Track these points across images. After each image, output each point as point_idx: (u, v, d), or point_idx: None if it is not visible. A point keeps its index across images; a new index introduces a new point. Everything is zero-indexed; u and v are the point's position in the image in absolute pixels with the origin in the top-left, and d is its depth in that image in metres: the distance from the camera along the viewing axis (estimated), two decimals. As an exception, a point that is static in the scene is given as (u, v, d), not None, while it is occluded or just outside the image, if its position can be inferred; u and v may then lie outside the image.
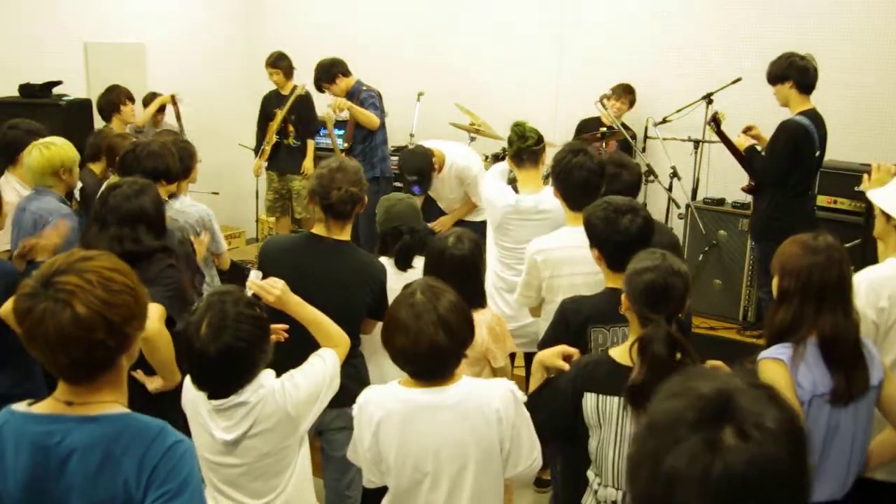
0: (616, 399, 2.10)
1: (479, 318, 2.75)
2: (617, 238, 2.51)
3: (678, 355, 2.04)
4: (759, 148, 4.34)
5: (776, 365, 2.22)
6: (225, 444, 2.12)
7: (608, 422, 2.12)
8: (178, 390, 2.69)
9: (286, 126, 6.15)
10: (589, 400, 2.14)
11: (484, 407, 2.02)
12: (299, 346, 2.53)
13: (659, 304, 2.07)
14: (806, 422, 2.19)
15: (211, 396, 2.11)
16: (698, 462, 0.95)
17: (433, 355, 1.98)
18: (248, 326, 2.04)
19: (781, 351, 2.23)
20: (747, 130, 4.31)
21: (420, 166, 4.37)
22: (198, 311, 2.07)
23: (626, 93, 5.62)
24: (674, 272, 2.09)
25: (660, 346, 2.01)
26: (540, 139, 3.60)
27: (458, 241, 2.81)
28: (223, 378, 2.07)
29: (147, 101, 5.96)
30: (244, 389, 2.09)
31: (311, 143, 6.22)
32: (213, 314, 2.03)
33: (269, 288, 2.41)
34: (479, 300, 2.86)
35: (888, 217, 2.63)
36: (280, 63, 6.09)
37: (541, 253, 3.03)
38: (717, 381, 1.03)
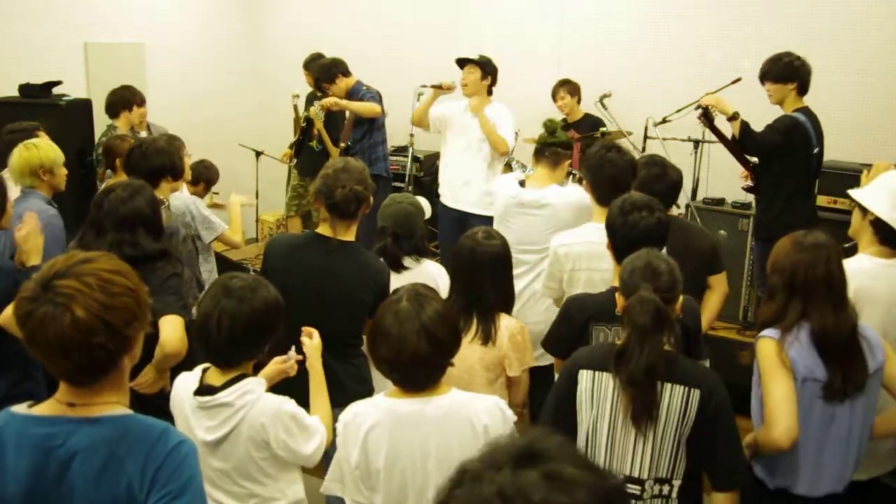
0: (611, 376, 2.11)
1: (502, 322, 2.73)
2: (624, 231, 2.54)
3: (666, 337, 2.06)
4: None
5: (769, 342, 2.27)
6: (205, 444, 2.11)
7: (603, 401, 2.12)
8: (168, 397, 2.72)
9: (311, 129, 6.08)
10: (584, 378, 2.15)
11: (472, 419, 1.99)
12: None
13: (646, 279, 2.11)
14: (799, 401, 2.23)
15: (217, 361, 2.13)
16: None
17: (415, 364, 1.96)
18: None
19: (773, 331, 2.29)
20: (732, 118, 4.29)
21: (490, 63, 4.89)
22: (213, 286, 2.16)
23: (563, 85, 5.74)
24: (658, 256, 2.16)
25: (643, 315, 2.02)
26: (568, 145, 3.64)
27: (488, 236, 2.78)
28: (233, 340, 2.10)
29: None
30: (231, 389, 2.09)
31: (333, 151, 5.89)
32: (239, 280, 2.15)
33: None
34: (509, 303, 2.82)
35: (864, 213, 2.67)
36: (310, 65, 6.06)
37: (563, 246, 3.08)
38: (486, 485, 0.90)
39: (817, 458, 2.26)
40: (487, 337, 2.67)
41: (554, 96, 5.80)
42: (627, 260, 2.22)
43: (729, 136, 4.38)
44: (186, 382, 2.19)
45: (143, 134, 5.28)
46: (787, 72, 4.17)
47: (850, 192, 2.79)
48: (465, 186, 4.95)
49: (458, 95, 5.04)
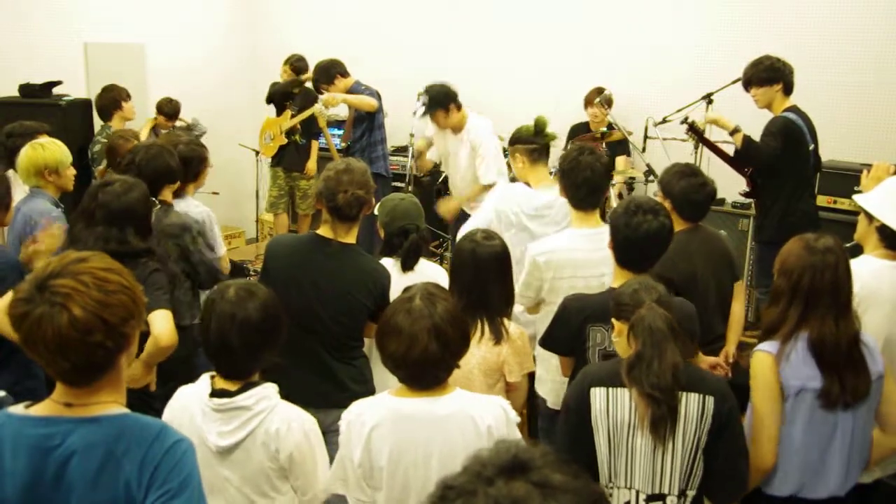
0: (627, 392, 2.08)
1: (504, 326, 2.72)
2: (627, 232, 2.53)
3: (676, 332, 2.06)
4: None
5: (765, 357, 2.26)
6: (216, 450, 2.06)
7: (620, 417, 2.10)
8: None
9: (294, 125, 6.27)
10: (597, 396, 2.12)
11: (476, 420, 1.99)
12: (297, 348, 2.56)
13: (648, 294, 2.13)
14: (788, 414, 2.24)
15: (226, 373, 2.09)
16: None
17: (424, 363, 1.95)
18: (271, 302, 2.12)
19: (771, 344, 2.28)
20: (734, 133, 4.31)
21: (436, 95, 4.66)
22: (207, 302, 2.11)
23: (599, 94, 5.65)
24: (652, 281, 2.21)
25: (657, 321, 2.02)
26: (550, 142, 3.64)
27: (487, 237, 2.75)
28: (243, 347, 2.05)
29: (162, 106, 5.95)
30: (249, 393, 2.05)
31: (314, 144, 6.37)
32: (238, 287, 2.10)
33: None
34: (510, 304, 2.80)
35: (870, 219, 2.67)
36: (297, 64, 6.30)
37: (543, 255, 2.99)
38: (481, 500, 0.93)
39: (820, 464, 2.26)
40: (499, 336, 2.66)
41: (588, 103, 5.78)
42: (623, 286, 2.25)
43: (716, 143, 4.42)
44: (193, 389, 2.14)
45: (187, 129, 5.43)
46: (770, 74, 4.20)
47: (857, 198, 2.78)
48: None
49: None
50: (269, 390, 2.11)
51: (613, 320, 2.23)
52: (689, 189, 3.10)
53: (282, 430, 2.06)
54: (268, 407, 2.07)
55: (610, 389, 2.10)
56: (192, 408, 2.10)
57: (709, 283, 3.14)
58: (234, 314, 2.04)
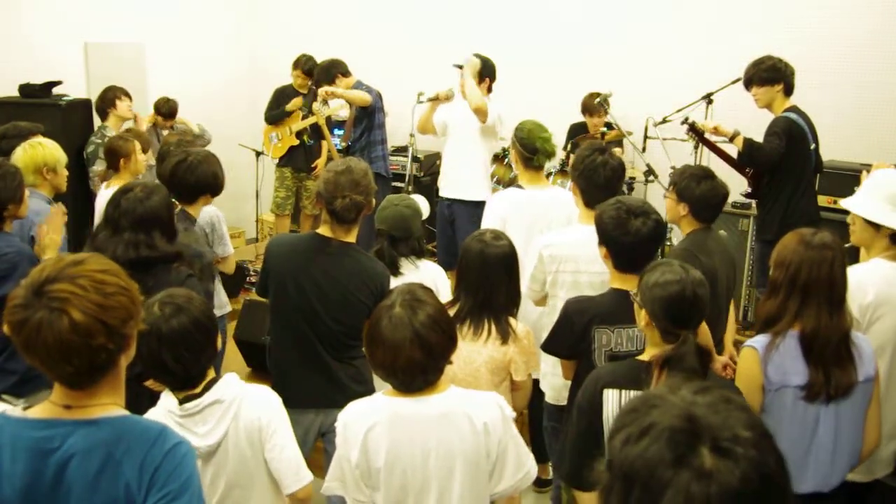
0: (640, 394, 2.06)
1: (511, 325, 2.72)
2: (626, 239, 2.51)
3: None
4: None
5: (749, 352, 2.28)
6: (208, 451, 2.07)
7: None
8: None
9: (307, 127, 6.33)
10: (610, 397, 2.10)
11: (472, 417, 1.99)
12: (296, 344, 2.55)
13: (685, 317, 2.05)
14: (766, 410, 2.26)
15: (173, 386, 2.09)
16: (696, 498, 0.91)
17: (411, 370, 1.96)
18: (200, 303, 2.12)
19: (759, 339, 2.29)
20: (734, 138, 4.31)
21: (492, 65, 4.92)
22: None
23: (595, 98, 5.61)
24: (699, 282, 2.08)
25: (692, 360, 1.97)
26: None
27: (495, 237, 2.75)
28: (184, 356, 2.05)
29: (159, 106, 5.95)
30: (215, 388, 2.09)
31: (324, 144, 6.39)
32: (164, 296, 2.09)
33: None
34: (516, 304, 2.80)
35: (877, 227, 2.66)
36: (308, 64, 6.30)
37: (548, 247, 3.01)
38: (671, 406, 1.00)
39: (802, 459, 2.27)
40: (506, 336, 2.66)
41: (590, 111, 5.75)
42: (662, 279, 2.09)
43: (716, 143, 4.42)
44: (159, 409, 2.13)
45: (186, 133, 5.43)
46: (772, 74, 4.20)
47: (850, 207, 2.75)
48: (457, 172, 4.98)
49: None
50: (231, 378, 2.14)
51: (644, 312, 2.14)
52: (709, 193, 3.11)
53: (262, 416, 2.10)
54: (239, 395, 2.10)
55: (623, 391, 2.09)
56: (164, 419, 2.08)
57: (723, 282, 3.17)
58: (160, 331, 2.01)
